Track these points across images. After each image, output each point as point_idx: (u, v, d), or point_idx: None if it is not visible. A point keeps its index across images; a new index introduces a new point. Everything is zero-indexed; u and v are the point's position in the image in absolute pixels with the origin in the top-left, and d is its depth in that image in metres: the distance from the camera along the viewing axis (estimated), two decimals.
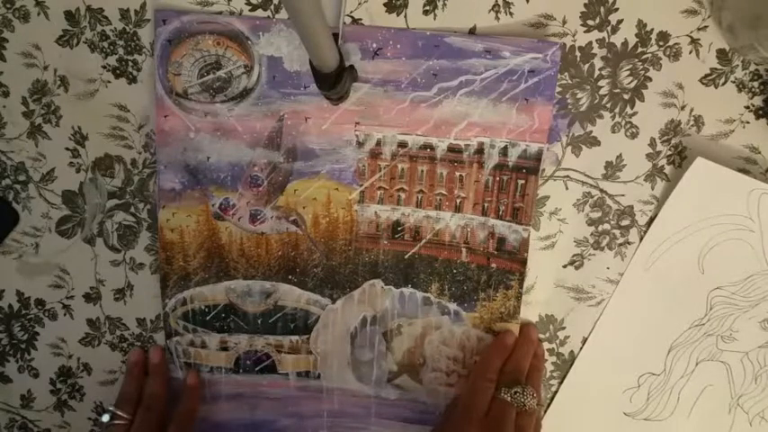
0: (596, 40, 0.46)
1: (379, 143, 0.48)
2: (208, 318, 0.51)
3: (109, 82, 0.48)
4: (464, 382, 0.51)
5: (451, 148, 0.47)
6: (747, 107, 0.47)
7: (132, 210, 0.51)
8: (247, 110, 0.47)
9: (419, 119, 0.47)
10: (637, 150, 0.48)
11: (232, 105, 0.47)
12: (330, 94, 0.44)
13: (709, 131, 0.47)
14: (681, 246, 0.48)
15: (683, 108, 0.47)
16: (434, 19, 0.46)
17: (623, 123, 0.47)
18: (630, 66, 0.46)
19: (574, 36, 0.46)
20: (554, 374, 0.52)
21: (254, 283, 0.50)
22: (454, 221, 0.49)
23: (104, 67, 0.48)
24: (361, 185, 0.48)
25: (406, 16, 0.46)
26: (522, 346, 0.49)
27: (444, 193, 0.48)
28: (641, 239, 0.49)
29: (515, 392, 0.44)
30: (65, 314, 0.53)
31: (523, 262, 0.49)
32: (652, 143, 0.48)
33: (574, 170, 0.48)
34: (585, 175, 0.48)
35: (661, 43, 0.46)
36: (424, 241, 0.49)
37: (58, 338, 0.54)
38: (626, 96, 0.47)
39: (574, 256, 0.50)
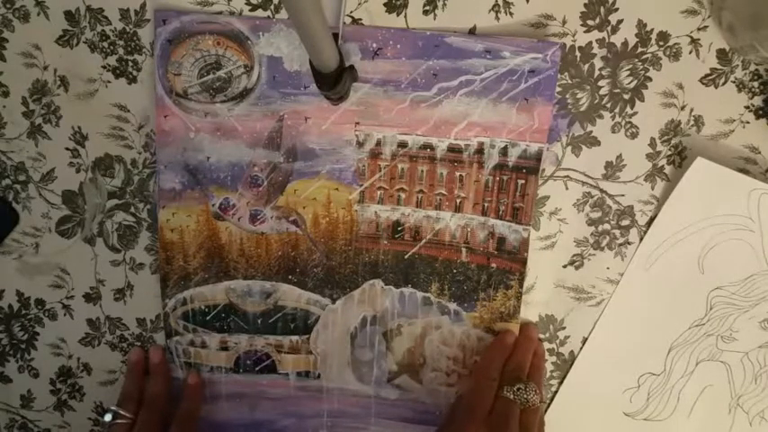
0: (596, 40, 0.46)
1: (379, 143, 0.48)
2: (208, 318, 0.51)
3: (109, 82, 0.48)
4: (465, 382, 0.51)
5: (451, 148, 0.47)
6: (747, 107, 0.47)
7: (132, 210, 0.51)
8: (247, 110, 0.47)
9: (419, 119, 0.47)
10: (637, 150, 0.48)
11: (232, 105, 0.47)
12: (330, 94, 0.44)
13: (709, 131, 0.47)
14: (681, 246, 0.48)
15: (683, 108, 0.47)
16: (434, 19, 0.46)
17: (623, 123, 0.47)
18: (630, 66, 0.46)
19: (574, 36, 0.46)
20: (554, 374, 0.52)
21: (254, 283, 0.50)
22: (454, 221, 0.49)
23: (104, 67, 0.48)
24: (361, 185, 0.48)
25: (406, 16, 0.46)
26: (522, 345, 0.49)
27: (444, 193, 0.48)
28: (641, 239, 0.49)
29: (518, 389, 0.44)
30: (65, 314, 0.53)
31: (523, 262, 0.49)
32: (652, 143, 0.48)
33: (574, 170, 0.48)
34: (585, 175, 0.48)
35: (661, 43, 0.46)
36: (424, 241, 0.49)
37: (58, 338, 0.54)
38: (626, 96, 0.47)
39: (574, 256, 0.50)
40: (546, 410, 0.52)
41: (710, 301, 0.49)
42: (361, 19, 0.46)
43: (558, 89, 0.47)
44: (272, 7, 0.46)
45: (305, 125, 0.47)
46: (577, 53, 0.46)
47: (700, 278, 0.48)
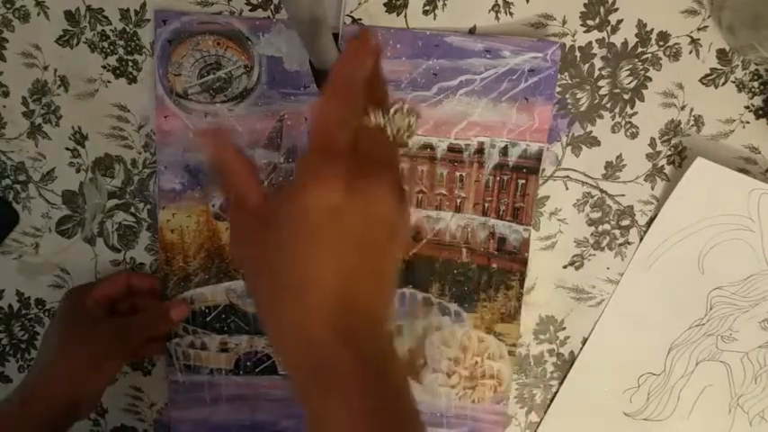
0: (596, 40, 0.46)
1: None
2: (208, 319, 0.51)
3: (109, 82, 0.48)
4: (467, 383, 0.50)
5: (451, 148, 0.47)
6: (747, 107, 0.47)
7: (132, 210, 0.51)
8: (247, 110, 0.47)
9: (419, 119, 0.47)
10: (637, 150, 0.48)
11: (232, 106, 0.47)
12: None
13: (709, 131, 0.47)
14: (681, 246, 0.48)
15: (683, 108, 0.47)
16: (434, 19, 0.46)
17: (623, 123, 0.47)
18: (630, 66, 0.46)
19: (574, 36, 0.46)
20: (554, 374, 0.52)
21: None
22: (454, 221, 0.49)
23: (104, 67, 0.48)
24: None
25: (405, 16, 0.46)
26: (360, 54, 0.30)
27: (444, 193, 0.48)
28: (641, 239, 0.49)
29: (395, 113, 0.30)
30: None
31: (524, 262, 0.49)
32: (652, 143, 0.48)
33: (574, 170, 0.48)
34: (585, 175, 0.48)
35: (661, 43, 0.46)
36: (424, 241, 0.49)
37: None
38: (626, 96, 0.47)
39: (574, 256, 0.50)
40: (546, 410, 0.52)
41: (710, 301, 0.49)
42: (361, 19, 0.46)
43: (558, 89, 0.47)
44: (272, 7, 0.46)
45: (305, 125, 0.47)
46: (577, 53, 0.46)
47: (700, 278, 0.48)
